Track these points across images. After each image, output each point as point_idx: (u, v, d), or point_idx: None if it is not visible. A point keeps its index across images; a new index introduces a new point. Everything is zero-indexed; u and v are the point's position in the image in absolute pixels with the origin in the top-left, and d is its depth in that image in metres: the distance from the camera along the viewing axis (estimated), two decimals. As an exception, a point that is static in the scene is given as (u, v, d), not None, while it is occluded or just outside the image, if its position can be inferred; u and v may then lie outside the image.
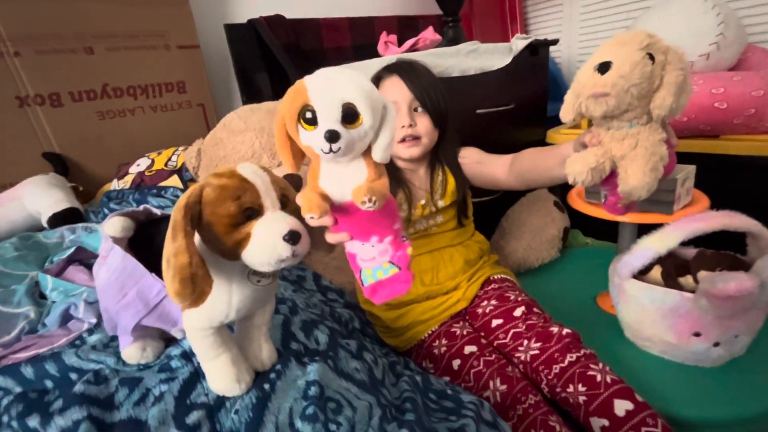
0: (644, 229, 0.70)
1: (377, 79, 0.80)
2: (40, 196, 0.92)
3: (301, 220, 0.36)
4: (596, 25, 1.55)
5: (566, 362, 0.61)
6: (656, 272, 0.72)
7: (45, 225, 0.90)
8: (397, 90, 0.76)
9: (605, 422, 0.55)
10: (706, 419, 0.60)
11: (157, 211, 0.54)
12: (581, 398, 0.58)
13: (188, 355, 0.49)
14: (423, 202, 0.80)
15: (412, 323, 0.78)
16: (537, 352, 0.65)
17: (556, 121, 1.47)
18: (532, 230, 1.04)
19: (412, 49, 1.00)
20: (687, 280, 0.69)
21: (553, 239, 1.03)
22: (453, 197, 0.80)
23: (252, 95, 1.27)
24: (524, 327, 0.69)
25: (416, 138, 0.76)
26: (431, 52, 0.94)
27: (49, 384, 0.48)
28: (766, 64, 0.94)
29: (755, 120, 0.86)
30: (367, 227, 0.40)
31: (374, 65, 0.97)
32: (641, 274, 0.72)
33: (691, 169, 0.73)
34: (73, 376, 0.48)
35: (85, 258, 0.80)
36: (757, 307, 0.61)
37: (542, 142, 1.27)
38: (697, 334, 0.65)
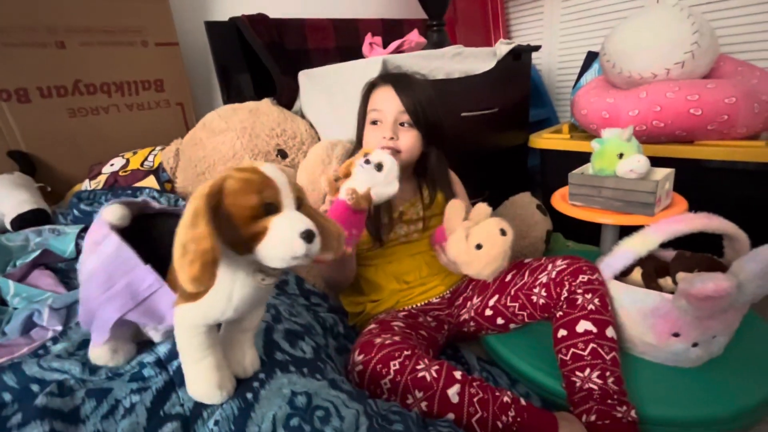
0: (625, 232, 0.72)
1: (371, 87, 0.79)
2: (4, 197, 0.87)
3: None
4: (576, 33, 1.59)
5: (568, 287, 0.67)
6: (636, 274, 0.73)
7: (8, 227, 0.85)
8: (386, 100, 0.75)
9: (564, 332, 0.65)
10: (685, 419, 0.60)
11: (156, 204, 0.51)
12: (558, 313, 0.67)
13: (163, 363, 0.46)
14: (402, 209, 0.80)
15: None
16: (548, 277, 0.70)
17: (537, 126, 1.50)
18: (516, 233, 1.04)
19: (397, 51, 0.99)
20: (666, 281, 0.70)
21: (536, 242, 1.04)
22: (440, 209, 0.80)
23: (233, 95, 1.24)
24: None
25: (396, 152, 0.75)
26: (417, 54, 0.94)
27: (7, 397, 0.44)
28: (737, 73, 0.97)
29: (728, 126, 0.89)
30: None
31: (359, 66, 0.96)
32: (622, 276, 0.73)
33: (671, 172, 0.74)
34: (35, 387, 0.45)
35: (51, 262, 0.76)
36: (734, 308, 0.63)
37: (525, 146, 1.29)
38: (676, 335, 0.66)
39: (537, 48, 1.22)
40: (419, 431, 0.47)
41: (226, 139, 0.98)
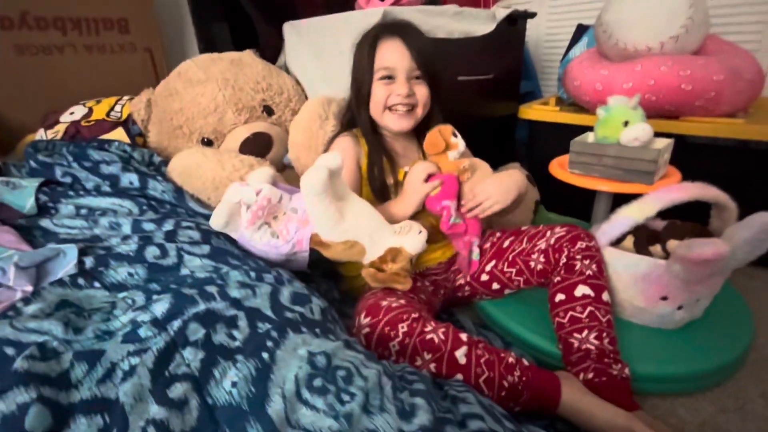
0: (616, 204, 0.73)
1: (375, 39, 0.73)
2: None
3: None
4: (566, 5, 1.58)
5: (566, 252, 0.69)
6: (629, 241, 0.75)
7: (-51, 178, 0.73)
8: (397, 55, 0.71)
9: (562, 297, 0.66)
10: (672, 375, 0.64)
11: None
12: (556, 278, 0.69)
13: (160, 323, 0.42)
14: (407, 169, 0.77)
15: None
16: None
17: (522, 99, 1.50)
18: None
19: (396, 4, 0.93)
20: (656, 248, 0.73)
21: (526, 211, 1.05)
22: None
23: (210, 43, 1.13)
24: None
25: (412, 107, 0.73)
26: (418, 9, 0.89)
27: (-26, 362, 0.38)
28: (722, 52, 1.00)
29: (713, 103, 0.92)
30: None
31: (355, 18, 0.90)
32: (614, 244, 0.75)
33: (670, 142, 0.76)
34: (10, 351, 0.39)
35: (8, 218, 0.67)
36: (720, 273, 0.66)
37: (513, 117, 1.28)
38: (664, 298, 0.69)
39: (533, 15, 1.19)
40: (436, 390, 0.46)
41: (206, 90, 0.90)
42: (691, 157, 0.97)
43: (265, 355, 0.38)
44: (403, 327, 0.56)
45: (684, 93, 0.92)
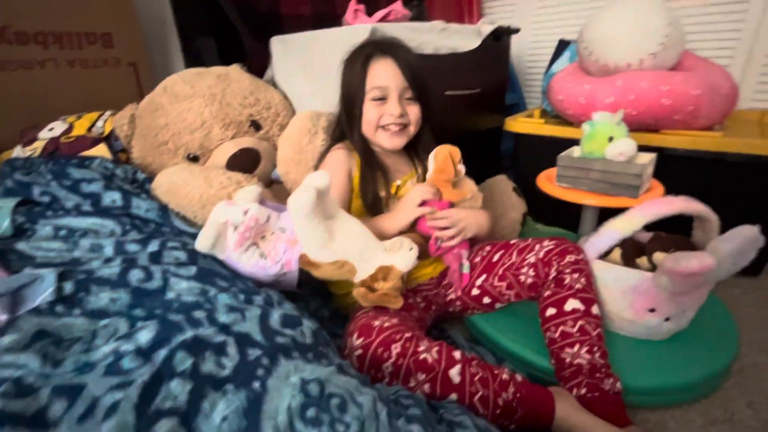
0: (604, 216, 0.74)
1: (367, 58, 0.73)
2: None
3: None
4: (548, 20, 1.62)
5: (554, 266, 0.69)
6: (616, 254, 0.76)
7: None
8: (390, 75, 0.72)
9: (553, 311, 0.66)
10: (657, 388, 0.65)
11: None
12: (546, 292, 0.68)
13: (145, 352, 0.40)
14: (399, 182, 0.77)
15: None
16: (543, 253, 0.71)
17: (506, 111, 1.52)
18: (494, 216, 1.06)
19: (383, 20, 0.94)
20: (642, 261, 0.74)
21: (514, 224, 1.06)
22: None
23: (196, 58, 1.12)
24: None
25: (404, 127, 0.74)
26: (406, 25, 0.90)
27: (-55, 401, 0.36)
28: (698, 68, 1.04)
29: (692, 117, 0.95)
30: None
31: (344, 34, 0.90)
32: (602, 256, 0.76)
33: (653, 157, 0.78)
34: (-17, 388, 0.37)
35: (-17, 240, 0.64)
36: (706, 284, 0.67)
37: (499, 130, 1.30)
38: (652, 310, 0.70)
39: (517, 30, 1.22)
40: (432, 413, 0.45)
41: (192, 105, 0.88)
42: (671, 170, 0.99)
43: (256, 385, 0.37)
44: (396, 347, 0.55)
45: (664, 107, 0.95)
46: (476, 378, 0.56)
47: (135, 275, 0.54)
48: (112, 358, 0.40)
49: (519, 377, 0.59)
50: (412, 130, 0.75)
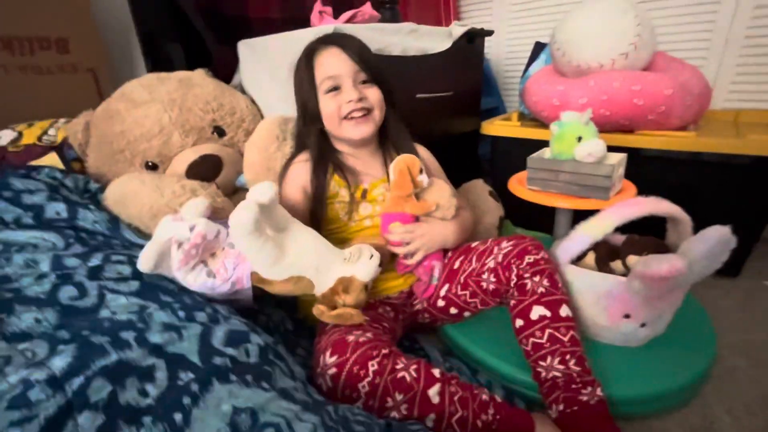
0: (578, 218, 0.72)
1: (311, 53, 0.71)
2: None
3: None
4: (524, 23, 1.62)
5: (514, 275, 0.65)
6: (590, 258, 0.74)
7: None
8: (336, 62, 0.68)
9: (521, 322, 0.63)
10: (631, 397, 0.62)
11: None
12: (512, 301, 0.65)
13: (58, 381, 0.36)
14: (366, 186, 0.74)
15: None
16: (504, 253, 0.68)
17: (485, 115, 1.51)
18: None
19: (350, 22, 0.92)
20: (617, 264, 0.72)
21: (490, 228, 1.03)
22: None
23: (160, 63, 1.08)
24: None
25: (367, 111, 0.69)
26: (373, 26, 0.87)
27: None
28: (670, 69, 1.03)
29: (664, 117, 0.94)
30: None
31: (307, 37, 0.87)
32: (576, 261, 0.74)
33: (623, 157, 0.76)
34: None
35: None
36: (680, 287, 0.65)
37: (476, 133, 1.28)
38: (627, 316, 0.68)
39: (490, 33, 1.21)
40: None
41: (150, 111, 0.84)
42: (646, 170, 0.98)
43: (177, 417, 0.33)
44: (373, 365, 0.52)
45: (636, 107, 0.94)
46: (455, 398, 0.53)
47: (67, 292, 0.50)
48: (20, 389, 0.36)
49: (498, 398, 0.56)
50: (377, 114, 0.71)
